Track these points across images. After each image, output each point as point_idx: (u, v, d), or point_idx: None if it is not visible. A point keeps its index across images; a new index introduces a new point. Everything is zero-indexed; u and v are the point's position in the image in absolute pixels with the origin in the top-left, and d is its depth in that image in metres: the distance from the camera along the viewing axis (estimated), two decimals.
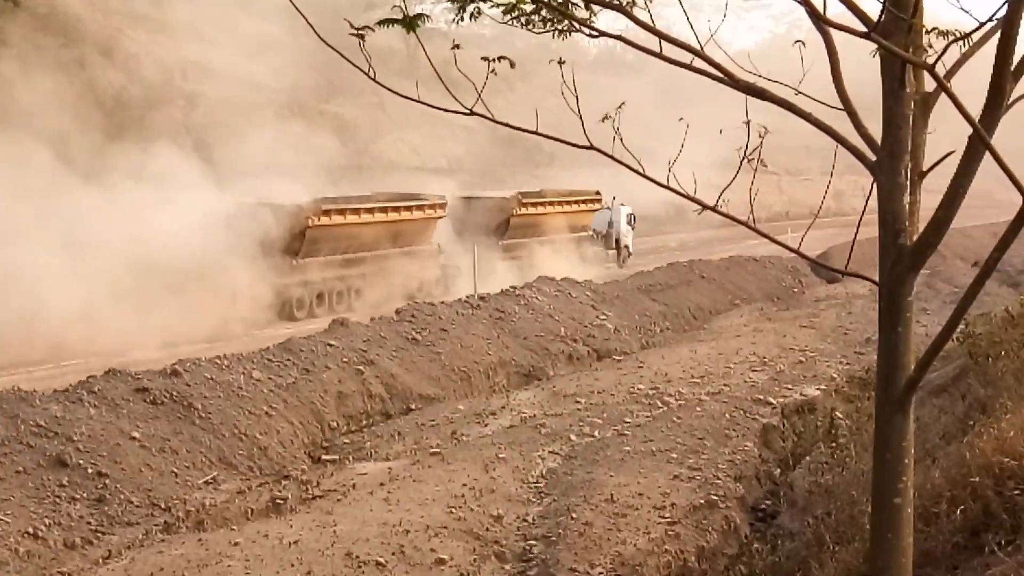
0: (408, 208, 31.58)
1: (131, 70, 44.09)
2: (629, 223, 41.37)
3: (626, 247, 41.33)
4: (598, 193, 39.47)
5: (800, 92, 5.54)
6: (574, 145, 5.49)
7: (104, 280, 22.78)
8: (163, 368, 16.72)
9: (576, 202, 38.79)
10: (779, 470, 14.96)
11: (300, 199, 28.74)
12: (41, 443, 13.88)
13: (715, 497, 13.35)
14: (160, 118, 40.08)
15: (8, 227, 23.56)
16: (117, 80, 43.68)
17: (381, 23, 5.10)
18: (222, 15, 48.79)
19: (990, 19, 5.11)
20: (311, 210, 28.31)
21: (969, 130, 4.93)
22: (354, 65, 5.20)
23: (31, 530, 12.24)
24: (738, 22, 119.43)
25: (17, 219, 24.01)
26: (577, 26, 5.47)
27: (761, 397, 18.50)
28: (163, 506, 13.54)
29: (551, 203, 36.73)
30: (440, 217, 32.85)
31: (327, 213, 28.73)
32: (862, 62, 5.76)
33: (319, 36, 5.20)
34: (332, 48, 5.36)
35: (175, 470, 14.50)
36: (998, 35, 4.84)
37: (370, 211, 30.39)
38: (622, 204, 40.36)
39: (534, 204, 36.57)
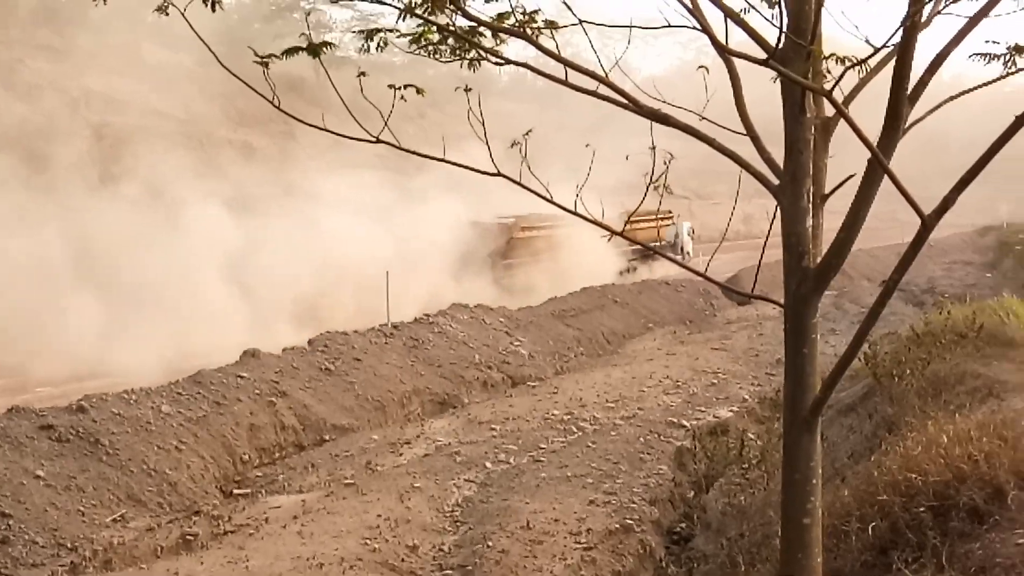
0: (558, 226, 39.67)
1: (33, 100, 43.22)
2: (689, 234, 51.59)
3: (688, 252, 49.86)
4: (670, 212, 47.97)
5: (704, 118, 5.61)
6: (482, 172, 5.50)
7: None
8: (68, 404, 16.33)
9: (660, 219, 45.68)
10: (693, 492, 15.05)
11: (507, 220, 38.65)
12: None
13: (630, 521, 13.39)
14: (64, 149, 39.24)
15: None
16: (19, 111, 42.77)
17: (286, 52, 5.06)
18: (127, 44, 48.16)
19: (884, 45, 5.23)
20: (515, 227, 39.17)
21: (868, 154, 5.03)
22: (259, 94, 5.15)
23: None
24: (647, 48, 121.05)
25: None
26: (484, 55, 5.47)
27: (675, 420, 18.64)
28: (69, 546, 13.17)
29: (647, 220, 42.31)
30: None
31: (524, 229, 39.54)
32: (767, 87, 5.85)
33: (223, 65, 5.15)
34: (237, 77, 5.32)
35: (82, 508, 14.14)
36: (894, 60, 4.96)
37: (545, 227, 39.38)
38: (685, 220, 52.05)
39: (636, 222, 39.41)
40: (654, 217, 43.48)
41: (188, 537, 13.14)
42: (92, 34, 47.82)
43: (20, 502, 13.68)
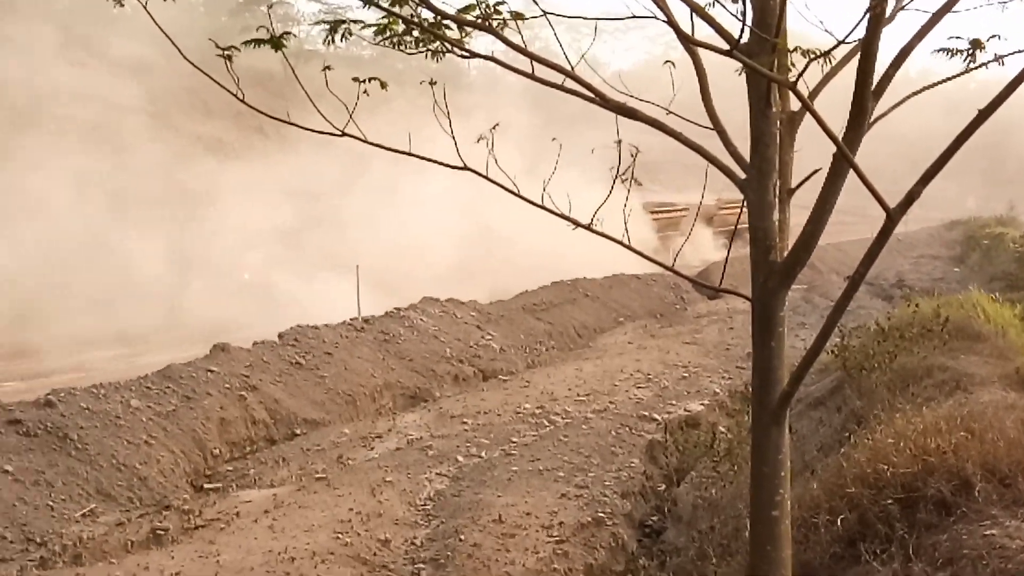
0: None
1: None
2: None
3: None
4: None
5: (671, 112, 5.62)
6: (448, 166, 5.49)
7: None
8: (36, 399, 16.22)
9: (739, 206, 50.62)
10: (664, 486, 15.11)
11: (710, 200, 43.97)
12: None
13: (602, 514, 13.43)
14: (30, 142, 38.94)
15: None
16: None
17: (247, 43, 5.03)
18: (92, 37, 47.85)
19: (844, 39, 5.25)
20: (716, 205, 46.94)
21: (835, 148, 5.04)
22: (222, 87, 5.12)
23: None
24: (615, 43, 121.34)
25: None
26: (449, 47, 5.45)
27: (646, 413, 18.68)
28: (39, 540, 13.10)
29: (729, 206, 47.72)
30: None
31: (720, 208, 47.86)
32: (733, 81, 5.86)
33: (185, 58, 5.12)
34: (200, 70, 5.29)
35: (51, 503, 14.05)
36: (859, 55, 4.97)
37: (663, 211, 48.41)
38: None
39: (724, 207, 48.64)
40: (736, 204, 47.42)
41: (158, 532, 13.08)
42: (57, 28, 47.47)
43: None
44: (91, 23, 48.20)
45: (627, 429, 17.60)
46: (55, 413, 15.74)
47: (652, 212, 46.86)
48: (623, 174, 5.57)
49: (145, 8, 4.92)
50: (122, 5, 5.20)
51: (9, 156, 37.10)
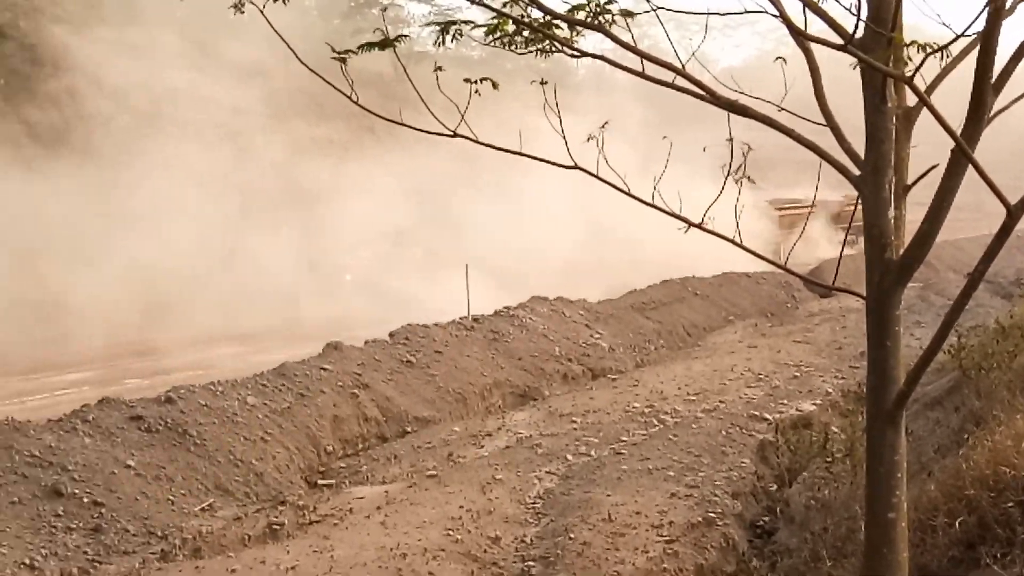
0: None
1: (119, 99, 44.01)
2: None
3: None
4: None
5: (783, 108, 5.55)
6: (558, 165, 5.50)
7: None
8: (157, 396, 16.67)
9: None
10: (776, 486, 14.91)
11: (836, 197, 43.33)
12: (36, 473, 13.83)
13: (713, 514, 13.31)
14: (152, 145, 40.03)
15: None
16: (106, 108, 43.58)
17: (362, 47, 5.11)
18: (209, 41, 48.89)
19: (964, 33, 5.13)
20: (842, 202, 45.86)
21: (952, 143, 4.94)
22: (336, 89, 5.21)
23: (28, 561, 12.17)
24: (725, 40, 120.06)
25: None
26: (558, 46, 5.47)
27: (757, 413, 18.48)
28: (159, 534, 13.46)
29: (849, 205, 47.32)
30: None
31: (847, 205, 45.71)
32: (847, 77, 5.77)
33: (301, 61, 5.21)
34: (315, 73, 5.37)
35: (171, 498, 14.43)
36: (978, 48, 4.86)
37: (788, 208, 47.77)
38: None
39: (851, 204, 48.37)
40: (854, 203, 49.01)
41: (274, 526, 13.34)
42: (175, 34, 48.63)
43: (112, 491, 14.01)
44: (209, 29, 49.28)
45: (737, 429, 17.43)
46: (175, 409, 16.16)
47: (780, 209, 46.60)
48: (735, 172, 5.53)
49: (262, 12, 5.03)
50: (242, 11, 5.32)
51: (133, 159, 38.26)
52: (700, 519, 13.15)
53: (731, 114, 5.38)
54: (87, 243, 31.61)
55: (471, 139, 5.44)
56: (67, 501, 13.53)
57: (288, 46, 5.31)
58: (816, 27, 5.33)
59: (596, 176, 5.53)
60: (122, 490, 14.08)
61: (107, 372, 24.81)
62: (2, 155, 33.93)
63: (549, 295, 27.10)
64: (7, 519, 12.90)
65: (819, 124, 5.62)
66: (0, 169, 32.75)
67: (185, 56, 46.52)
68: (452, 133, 5.39)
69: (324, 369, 19.15)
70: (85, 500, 13.63)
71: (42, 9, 45.16)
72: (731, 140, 5.48)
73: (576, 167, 5.43)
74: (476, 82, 5.33)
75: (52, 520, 13.15)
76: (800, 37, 5.30)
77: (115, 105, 43.06)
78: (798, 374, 22.47)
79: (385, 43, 5.05)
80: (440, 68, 5.17)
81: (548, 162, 5.50)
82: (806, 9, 5.25)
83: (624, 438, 17.13)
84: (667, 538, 12.57)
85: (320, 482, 16.29)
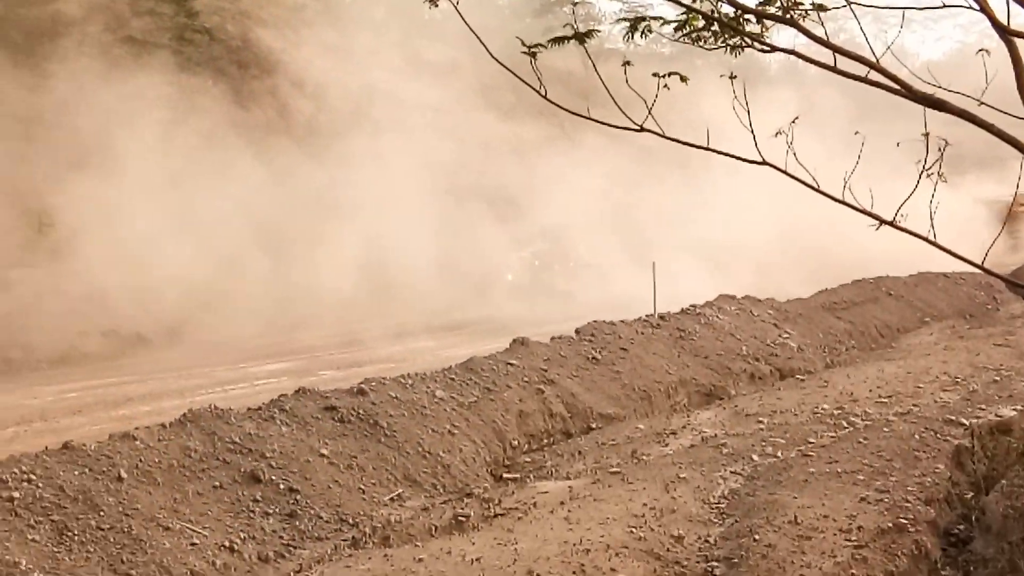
0: None
1: (320, 98, 45.49)
2: None
3: None
4: None
5: (983, 103, 5.38)
6: (746, 160, 5.46)
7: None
8: (350, 387, 17.18)
9: None
10: (972, 494, 14.40)
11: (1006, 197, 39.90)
12: (236, 459, 14.43)
13: (904, 520, 12.92)
14: (350, 144, 41.29)
15: None
16: (307, 108, 45.11)
17: (552, 41, 5.18)
18: (404, 41, 50.03)
19: None
20: (1015, 201, 41.09)
21: None
22: (526, 83, 5.29)
23: (227, 543, 12.73)
24: (925, 32, 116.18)
25: None
26: (749, 41, 5.43)
27: (952, 417, 17.82)
28: (351, 521, 13.87)
29: None
30: None
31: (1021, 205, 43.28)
32: None
33: (493, 56, 5.31)
34: (507, 69, 5.47)
35: (362, 487, 14.85)
36: None
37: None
38: None
39: None
40: None
41: (460, 518, 13.55)
42: (373, 34, 49.98)
43: (306, 479, 14.52)
44: (404, 29, 50.52)
45: (932, 433, 16.85)
46: (367, 401, 16.62)
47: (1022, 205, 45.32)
48: (930, 168, 5.39)
49: (456, 8, 5.15)
50: (435, 5, 5.46)
51: (333, 157, 39.56)
52: (891, 525, 12.79)
53: (928, 108, 5.25)
54: (302, 238, 33.16)
55: (657, 133, 5.45)
56: (264, 487, 14.08)
57: (480, 41, 5.42)
58: (1021, 20, 5.15)
59: (784, 172, 5.47)
60: (316, 478, 14.56)
61: (306, 363, 25.80)
62: (222, 156, 35.61)
63: (736, 293, 26.86)
64: (210, 503, 13.51)
65: (1022, 119, 5.42)
66: (220, 167, 34.37)
67: (380, 56, 47.80)
68: (639, 128, 5.41)
69: (510, 364, 19.39)
70: (281, 486, 14.15)
71: (248, 13, 47.08)
72: (927, 135, 5.34)
73: (764, 163, 5.38)
74: (664, 76, 5.34)
75: (250, 505, 13.71)
76: (1003, 32, 5.13)
77: (316, 105, 44.61)
78: (997, 378, 21.56)
79: (575, 37, 5.11)
80: (628, 63, 5.20)
81: (736, 157, 5.47)
82: (1010, 1, 5.08)
83: (812, 440, 16.79)
84: (856, 543, 12.27)
85: (505, 476, 16.49)
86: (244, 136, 38.34)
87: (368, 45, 48.25)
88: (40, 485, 12.56)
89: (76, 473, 13.03)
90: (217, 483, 13.87)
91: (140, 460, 13.73)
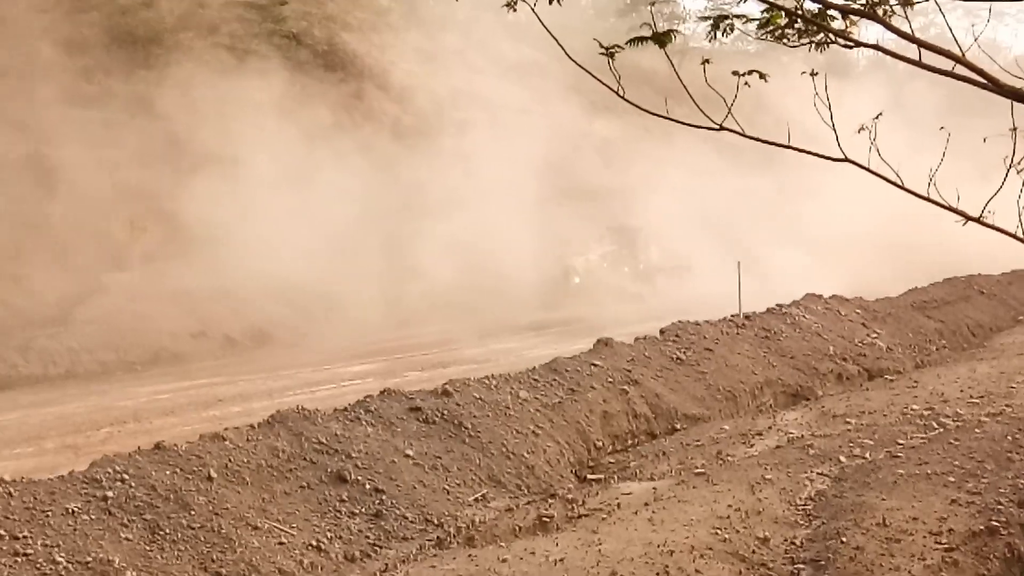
0: None
1: (405, 101, 45.89)
2: None
3: None
4: None
5: None
6: (827, 158, 5.40)
7: None
8: (434, 388, 17.27)
9: None
10: None
11: None
12: (323, 460, 14.58)
13: (996, 523, 12.64)
14: (435, 146, 41.63)
15: None
16: (392, 111, 45.54)
17: (630, 42, 5.17)
18: (487, 42, 50.28)
19: None
20: None
21: None
22: (603, 84, 5.29)
23: (314, 543, 12.87)
24: (1018, 26, 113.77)
25: None
26: (832, 38, 5.37)
27: None
28: (436, 522, 13.94)
29: None
30: None
31: None
32: None
33: (570, 57, 5.31)
34: (584, 70, 5.47)
35: (447, 487, 14.92)
36: None
37: None
38: None
39: None
40: None
41: (544, 519, 13.54)
42: (457, 35, 50.34)
43: (392, 479, 14.62)
44: (488, 30, 50.78)
45: None
46: (451, 402, 16.69)
47: None
48: (1017, 163, 5.28)
49: (533, 9, 5.16)
50: (514, 9, 5.47)
51: (420, 159, 39.97)
52: (982, 528, 12.52)
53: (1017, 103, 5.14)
54: (399, 241, 33.73)
55: (737, 132, 5.41)
56: (351, 487, 14.20)
57: (557, 41, 5.42)
58: None
59: (867, 168, 5.39)
60: (401, 478, 14.65)
61: (391, 364, 26.05)
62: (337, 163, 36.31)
63: (823, 292, 26.57)
64: (296, 502, 13.67)
65: None
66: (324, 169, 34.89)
67: (464, 57, 48.11)
68: (719, 127, 5.38)
69: (594, 365, 19.36)
70: (367, 487, 14.26)
71: (334, 17, 47.72)
72: (1014, 130, 5.23)
73: (846, 159, 5.32)
74: (744, 75, 5.30)
75: (337, 505, 13.83)
76: None
77: (401, 107, 45.08)
78: None
79: (652, 38, 5.09)
80: (707, 61, 5.17)
81: (815, 154, 5.40)
82: None
83: (901, 441, 16.51)
84: (946, 546, 12.04)
85: (589, 476, 16.47)
86: (335, 140, 38.92)
87: (453, 47, 48.61)
88: (133, 485, 12.80)
89: (168, 473, 13.25)
90: (304, 483, 14.03)
91: (229, 460, 13.94)
